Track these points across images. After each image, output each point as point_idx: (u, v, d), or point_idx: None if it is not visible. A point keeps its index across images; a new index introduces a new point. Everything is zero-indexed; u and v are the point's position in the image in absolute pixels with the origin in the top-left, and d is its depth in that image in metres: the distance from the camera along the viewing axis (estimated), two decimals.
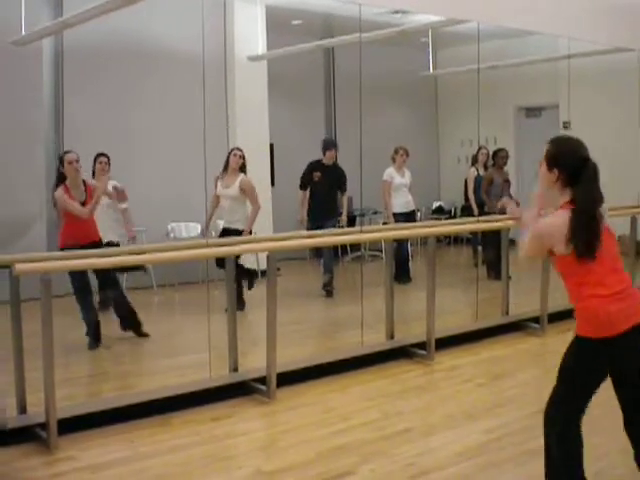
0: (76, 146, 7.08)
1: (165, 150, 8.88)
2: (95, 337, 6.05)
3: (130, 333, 6.36)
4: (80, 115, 8.27)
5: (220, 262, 6.41)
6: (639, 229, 7.60)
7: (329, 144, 8.65)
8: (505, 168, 9.15)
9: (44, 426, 4.10)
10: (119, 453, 4.05)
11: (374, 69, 6.88)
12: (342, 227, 8.25)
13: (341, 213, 8.39)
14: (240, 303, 6.81)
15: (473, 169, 9.46)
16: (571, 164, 2.88)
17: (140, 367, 5.80)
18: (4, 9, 7.46)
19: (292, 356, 5.45)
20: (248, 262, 7.52)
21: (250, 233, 7.15)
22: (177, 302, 8.63)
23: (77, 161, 6.09)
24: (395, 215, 8.75)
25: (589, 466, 3.05)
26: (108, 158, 7.04)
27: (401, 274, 8.55)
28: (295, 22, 10.17)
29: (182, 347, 6.30)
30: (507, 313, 6.85)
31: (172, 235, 8.74)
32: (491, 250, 8.62)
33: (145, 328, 6.37)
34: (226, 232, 7.28)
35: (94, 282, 6.29)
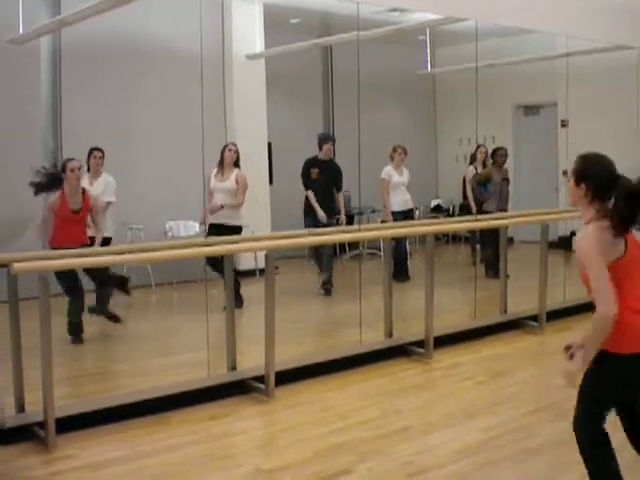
0: (74, 144, 7.09)
1: (163, 149, 8.87)
2: (77, 334, 6.09)
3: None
4: (78, 113, 8.27)
5: (210, 260, 6.39)
6: None
7: (325, 138, 8.51)
8: (504, 166, 9.16)
9: (42, 425, 4.10)
10: (117, 452, 4.04)
11: (372, 67, 6.89)
12: (341, 224, 8.24)
13: (339, 211, 8.35)
14: (238, 300, 6.77)
15: (471, 167, 9.46)
16: (599, 179, 2.92)
17: (137, 366, 5.78)
18: (1, 8, 7.46)
19: (290, 354, 5.44)
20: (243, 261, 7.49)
21: (222, 207, 7.10)
22: (175, 301, 8.63)
23: (79, 169, 6.11)
24: (393, 213, 8.75)
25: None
26: (102, 152, 7.02)
27: (399, 272, 8.56)
28: (293, 20, 10.16)
29: (180, 346, 6.29)
30: (505, 311, 6.85)
31: (170, 234, 8.73)
32: (489, 248, 8.62)
33: (144, 327, 6.35)
34: (217, 227, 7.09)
35: (92, 283, 6.29)
